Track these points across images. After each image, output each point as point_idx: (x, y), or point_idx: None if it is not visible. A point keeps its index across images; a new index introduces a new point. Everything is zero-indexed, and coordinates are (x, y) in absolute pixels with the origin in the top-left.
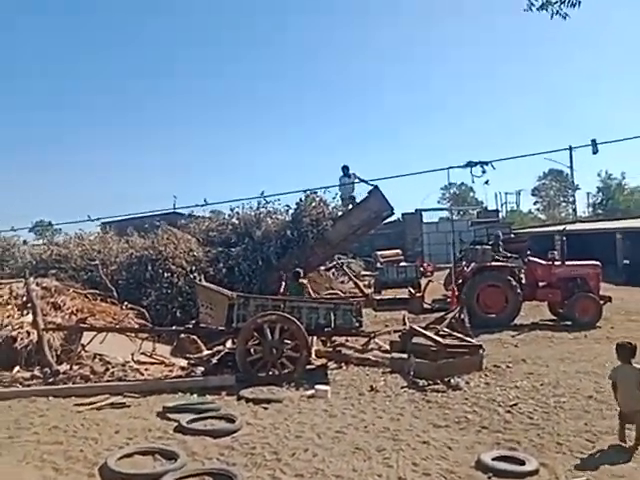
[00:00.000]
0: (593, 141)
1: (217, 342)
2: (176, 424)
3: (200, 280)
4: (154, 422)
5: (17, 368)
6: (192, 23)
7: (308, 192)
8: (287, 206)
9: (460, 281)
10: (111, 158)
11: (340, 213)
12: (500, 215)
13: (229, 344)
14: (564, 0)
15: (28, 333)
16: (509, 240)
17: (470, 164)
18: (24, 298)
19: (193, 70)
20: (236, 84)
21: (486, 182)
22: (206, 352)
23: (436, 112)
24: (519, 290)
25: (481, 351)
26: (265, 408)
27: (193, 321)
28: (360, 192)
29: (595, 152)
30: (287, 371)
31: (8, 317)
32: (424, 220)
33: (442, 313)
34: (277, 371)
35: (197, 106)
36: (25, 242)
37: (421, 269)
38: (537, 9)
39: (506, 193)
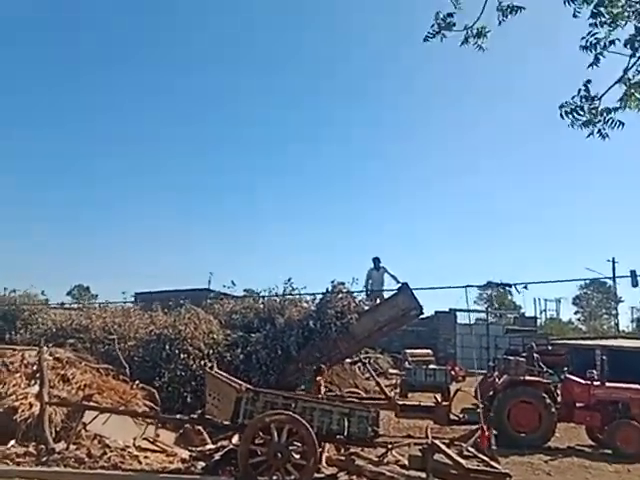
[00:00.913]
0: (632, 272)
1: (223, 436)
2: None
3: (212, 367)
4: None
5: (12, 442)
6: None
7: (335, 282)
8: (312, 295)
9: (490, 393)
10: (158, 230)
11: (367, 307)
12: (538, 322)
13: (235, 439)
14: (607, 120)
15: (31, 405)
16: (546, 352)
17: (490, 285)
18: (34, 367)
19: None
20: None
21: (524, 287)
22: (210, 446)
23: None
24: (554, 409)
25: (508, 479)
26: None
27: (199, 411)
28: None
29: (635, 285)
30: (292, 479)
31: (14, 386)
32: (458, 320)
33: (470, 427)
34: (281, 477)
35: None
36: (62, 304)
37: (452, 373)
38: (580, 126)
39: (545, 300)
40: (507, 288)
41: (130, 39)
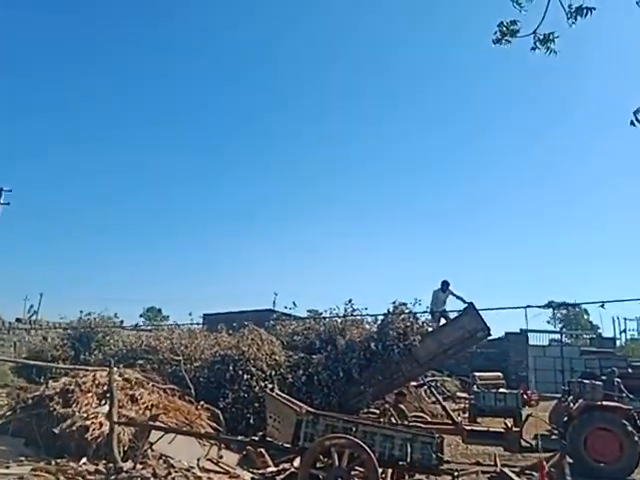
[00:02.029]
0: None
1: (285, 458)
2: None
3: (273, 389)
4: None
5: (84, 460)
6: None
7: (397, 303)
8: (374, 316)
9: (565, 419)
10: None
11: (430, 329)
12: (617, 343)
13: (296, 462)
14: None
15: (101, 424)
16: (627, 375)
17: (551, 305)
18: (105, 387)
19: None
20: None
21: (601, 306)
22: (272, 468)
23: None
24: (637, 438)
25: None
26: None
27: (261, 433)
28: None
29: None
30: None
31: (86, 405)
32: (530, 342)
33: (544, 455)
34: None
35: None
36: (137, 325)
37: (524, 397)
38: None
39: (625, 319)
40: (574, 308)
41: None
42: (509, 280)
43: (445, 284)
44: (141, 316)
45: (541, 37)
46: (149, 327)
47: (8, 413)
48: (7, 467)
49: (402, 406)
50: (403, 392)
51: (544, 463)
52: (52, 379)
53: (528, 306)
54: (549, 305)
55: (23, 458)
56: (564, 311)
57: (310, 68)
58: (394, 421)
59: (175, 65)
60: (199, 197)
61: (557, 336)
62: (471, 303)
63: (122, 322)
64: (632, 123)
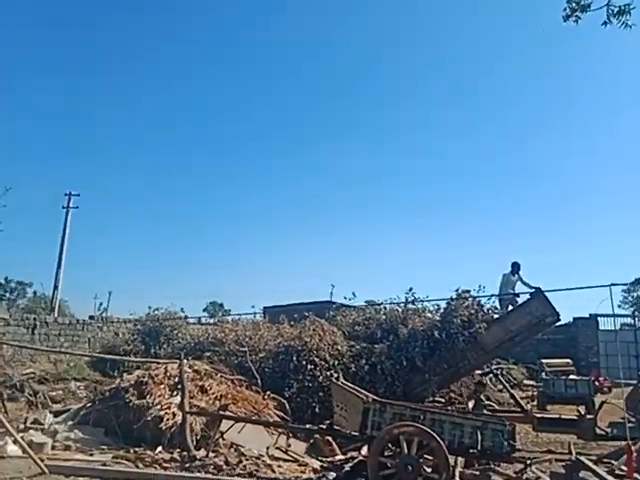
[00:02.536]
0: None
1: (352, 447)
2: None
3: (338, 378)
4: None
5: (160, 448)
6: None
7: (460, 290)
8: (437, 305)
9: None
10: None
11: (496, 316)
12: None
13: (364, 451)
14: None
15: (174, 414)
16: None
17: (639, 281)
18: (176, 379)
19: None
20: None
21: None
22: (339, 456)
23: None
24: None
25: None
26: None
27: (328, 421)
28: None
29: None
30: None
31: (159, 396)
32: (600, 327)
33: (620, 443)
34: None
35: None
36: (200, 319)
37: (596, 384)
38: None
39: None
40: None
41: None
42: (575, 264)
43: (516, 266)
44: (204, 310)
45: (615, 10)
46: (212, 321)
47: (88, 404)
48: (91, 454)
49: (482, 396)
50: (483, 382)
51: (632, 447)
52: (126, 372)
53: (613, 284)
54: (637, 282)
55: (104, 447)
56: (636, 293)
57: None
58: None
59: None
60: (254, 193)
61: (629, 320)
62: (539, 288)
63: (186, 317)
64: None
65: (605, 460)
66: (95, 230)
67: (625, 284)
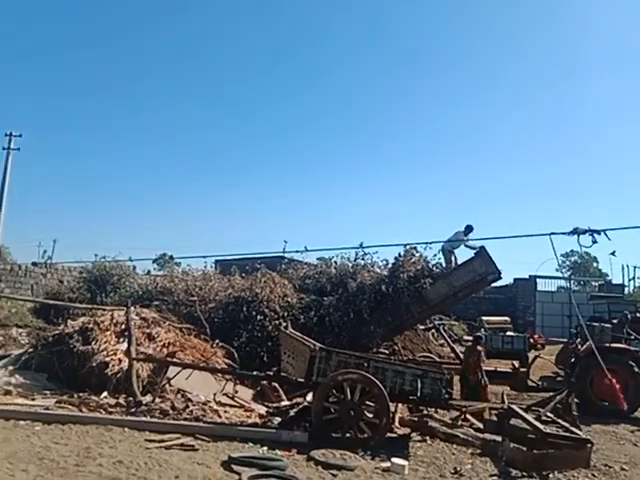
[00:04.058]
0: None
1: (298, 393)
2: (237, 477)
3: (286, 327)
4: (216, 472)
5: (105, 394)
6: None
7: (408, 247)
8: (385, 260)
9: (572, 360)
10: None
11: (437, 270)
12: (626, 290)
13: (309, 397)
14: None
15: (120, 361)
16: (635, 320)
17: (577, 231)
18: (123, 326)
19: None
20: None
21: (612, 253)
22: (285, 402)
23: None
24: None
25: (589, 445)
26: (334, 475)
27: (275, 369)
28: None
29: None
30: (364, 437)
31: (105, 343)
32: (538, 288)
33: (549, 394)
34: (354, 435)
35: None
36: (149, 272)
37: (530, 341)
38: None
39: (635, 267)
40: (594, 235)
41: None
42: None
43: (469, 228)
44: (154, 262)
45: None
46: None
47: (30, 350)
48: (33, 399)
49: (481, 350)
50: (480, 336)
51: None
52: (70, 320)
53: (552, 233)
54: (574, 232)
55: (47, 392)
56: (573, 258)
57: None
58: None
59: None
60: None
61: (565, 283)
62: (482, 246)
63: (134, 268)
64: None
65: (534, 408)
66: (41, 176)
67: (564, 233)
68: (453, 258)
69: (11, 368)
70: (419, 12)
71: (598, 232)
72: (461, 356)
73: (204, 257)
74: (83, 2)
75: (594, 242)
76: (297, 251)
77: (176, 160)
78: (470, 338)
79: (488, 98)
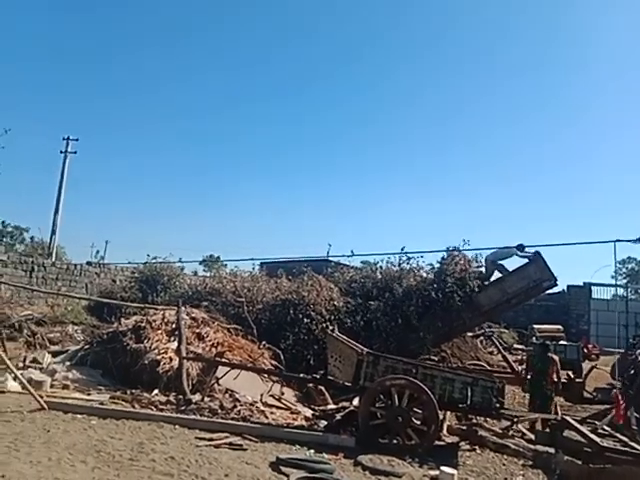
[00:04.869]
0: None
1: (344, 397)
2: (285, 479)
3: (333, 331)
4: (264, 472)
5: (156, 391)
6: None
7: (451, 249)
8: (430, 265)
9: (632, 372)
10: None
11: (482, 269)
12: None
13: (356, 402)
14: None
15: (171, 359)
16: None
17: None
18: (174, 325)
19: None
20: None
21: None
22: (331, 406)
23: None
24: None
25: None
26: None
27: (322, 372)
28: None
29: None
30: (412, 443)
31: (157, 341)
32: (593, 296)
33: (605, 407)
34: (401, 441)
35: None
36: (196, 273)
37: (584, 350)
38: None
39: None
40: None
41: None
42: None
43: (521, 246)
44: (200, 263)
45: None
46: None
47: (86, 347)
48: (88, 394)
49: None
50: (548, 344)
51: (619, 397)
52: (123, 318)
53: (618, 240)
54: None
55: (101, 387)
56: (630, 265)
57: None
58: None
59: None
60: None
61: (621, 291)
62: (538, 252)
63: (183, 269)
64: None
65: (589, 421)
66: (96, 178)
67: (629, 240)
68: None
69: (68, 364)
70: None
71: None
72: (512, 364)
73: (252, 260)
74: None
75: None
76: (343, 255)
77: (225, 161)
78: (520, 347)
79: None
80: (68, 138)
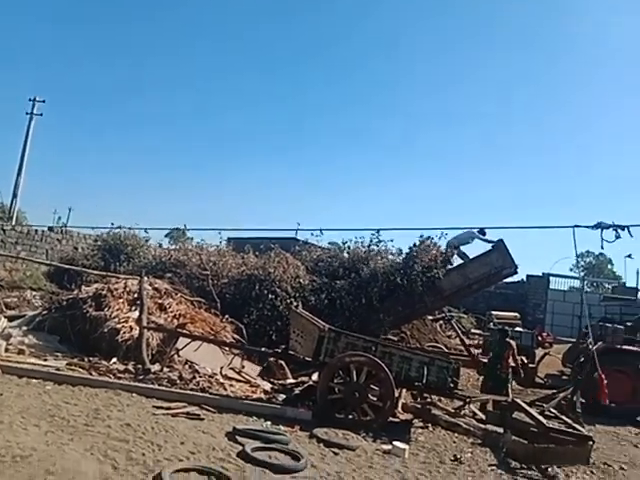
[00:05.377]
0: None
1: (304, 372)
2: (241, 448)
3: (297, 306)
4: (220, 441)
5: (115, 359)
6: None
7: (423, 237)
8: (399, 249)
9: (581, 360)
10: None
11: (448, 258)
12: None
13: (315, 377)
14: None
15: (131, 328)
16: None
17: (601, 225)
18: (136, 295)
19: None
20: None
21: (628, 255)
22: (291, 380)
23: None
24: None
25: (590, 443)
26: (335, 453)
27: (283, 346)
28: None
29: None
30: (367, 419)
31: (118, 310)
32: (551, 286)
33: (553, 391)
34: (357, 416)
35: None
36: (160, 245)
37: (539, 338)
38: None
39: None
40: (618, 230)
41: None
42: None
43: (483, 231)
44: (166, 236)
45: None
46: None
47: (44, 312)
48: (45, 359)
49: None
50: (506, 329)
51: (603, 378)
52: (83, 285)
53: (576, 226)
54: (598, 226)
55: (58, 353)
56: (588, 259)
57: None
58: None
59: None
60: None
61: (578, 283)
62: (501, 240)
63: (148, 240)
64: None
65: (537, 403)
66: (63, 144)
67: (588, 226)
68: (456, 256)
69: (25, 328)
70: None
71: (622, 227)
72: (469, 348)
73: (218, 230)
74: None
75: (617, 237)
76: (313, 229)
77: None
78: (478, 331)
79: None
80: (34, 99)
